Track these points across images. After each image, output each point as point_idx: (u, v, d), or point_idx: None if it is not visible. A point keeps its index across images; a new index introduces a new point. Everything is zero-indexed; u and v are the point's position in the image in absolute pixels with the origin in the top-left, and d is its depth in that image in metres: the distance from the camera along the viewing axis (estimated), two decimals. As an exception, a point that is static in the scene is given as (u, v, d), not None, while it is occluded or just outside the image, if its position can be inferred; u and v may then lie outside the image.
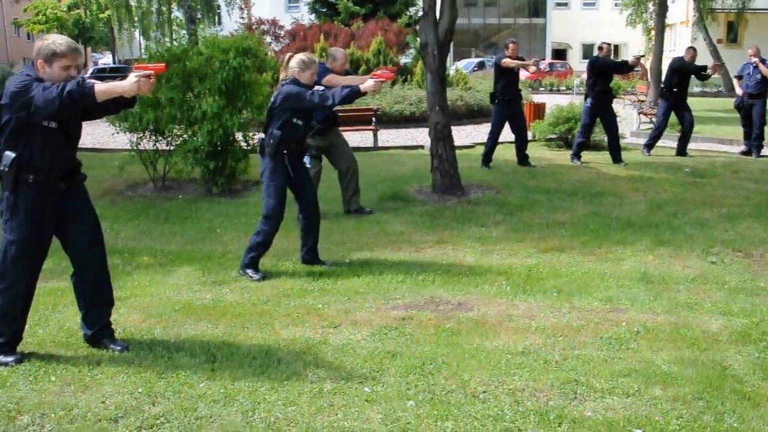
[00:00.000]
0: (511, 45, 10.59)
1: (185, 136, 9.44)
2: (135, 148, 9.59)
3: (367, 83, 5.49)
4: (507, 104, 10.53)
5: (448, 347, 4.18)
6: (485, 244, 6.43)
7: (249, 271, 5.62)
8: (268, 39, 23.59)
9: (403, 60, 20.97)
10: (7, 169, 3.83)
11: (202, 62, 8.69)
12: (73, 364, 4.06)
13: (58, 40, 3.84)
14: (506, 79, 10.57)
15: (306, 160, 7.67)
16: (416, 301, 5.00)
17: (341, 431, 3.25)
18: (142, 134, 9.52)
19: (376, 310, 4.83)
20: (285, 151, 5.60)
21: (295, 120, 5.53)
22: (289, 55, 5.69)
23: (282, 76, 5.71)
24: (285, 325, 4.61)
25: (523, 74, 32.70)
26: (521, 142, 10.83)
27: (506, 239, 6.61)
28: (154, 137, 9.59)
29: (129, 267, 6.10)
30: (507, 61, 10.40)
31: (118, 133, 9.58)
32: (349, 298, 5.10)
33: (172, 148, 9.60)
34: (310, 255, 5.85)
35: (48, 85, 3.66)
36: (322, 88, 5.62)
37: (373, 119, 13.44)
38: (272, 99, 5.69)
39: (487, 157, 10.70)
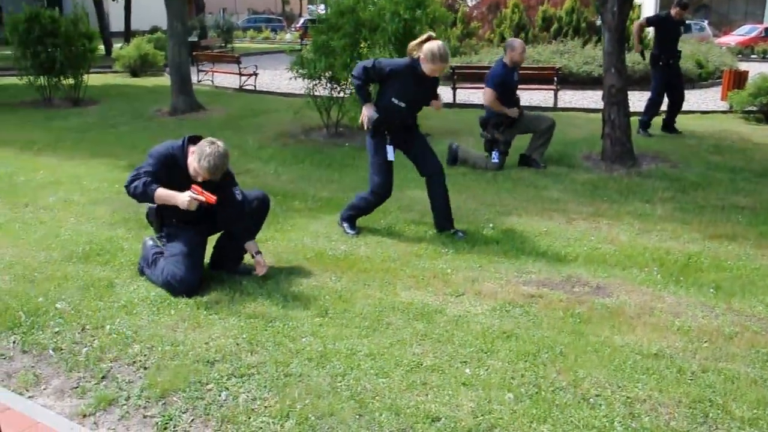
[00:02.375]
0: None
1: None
2: (311, 94, 9.78)
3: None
4: (669, 66, 9.72)
5: (572, 336, 3.79)
6: (645, 222, 5.82)
7: (345, 225, 5.56)
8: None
9: (599, 21, 19.61)
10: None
11: (374, 13, 8.57)
12: (198, 301, 4.17)
13: (201, 162, 4.15)
14: (668, 39, 9.72)
15: (494, 155, 7.46)
16: (551, 277, 4.61)
17: (425, 414, 3.03)
18: (317, 81, 9.68)
19: (505, 283, 4.51)
20: (386, 132, 5.35)
21: (395, 101, 5.21)
22: (428, 34, 5.18)
23: (412, 49, 5.18)
24: (407, 287, 4.43)
25: (733, 39, 29.47)
26: (676, 108, 10.09)
27: (670, 219, 5.93)
28: (329, 84, 9.72)
29: (278, 209, 6.20)
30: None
31: (295, 78, 9.79)
32: (481, 265, 4.81)
33: (345, 95, 9.68)
34: (440, 221, 5.55)
35: (142, 172, 4.24)
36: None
37: (555, 79, 12.74)
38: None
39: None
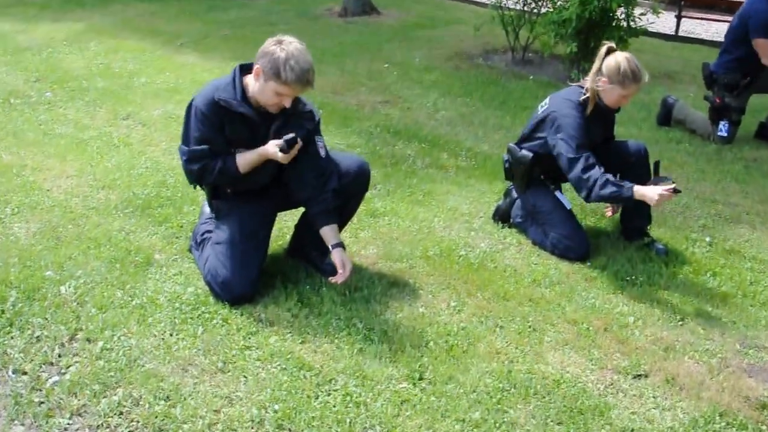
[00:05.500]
0: None
1: (560, 2, 7.51)
2: (498, 6, 7.97)
3: None
4: None
5: None
6: None
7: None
8: None
9: None
10: None
11: None
12: (246, 315, 2.87)
13: (291, 62, 2.72)
14: None
15: (722, 126, 5.41)
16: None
17: None
18: (509, -9, 7.87)
19: (719, 364, 2.79)
20: (541, 176, 3.73)
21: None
22: (608, 45, 3.41)
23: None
24: (559, 342, 2.85)
25: None
26: None
27: None
28: (523, -3, 7.87)
29: (418, 164, 4.74)
30: None
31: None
32: (683, 319, 3.09)
33: (541, 12, 7.78)
34: (633, 225, 3.77)
35: (198, 153, 2.95)
36: None
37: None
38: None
39: None
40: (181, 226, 3.60)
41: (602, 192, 3.25)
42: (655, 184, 3.30)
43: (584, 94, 3.47)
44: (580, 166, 3.31)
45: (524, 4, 7.91)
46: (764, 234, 3.99)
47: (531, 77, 7.32)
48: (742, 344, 2.94)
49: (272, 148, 2.88)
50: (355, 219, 3.70)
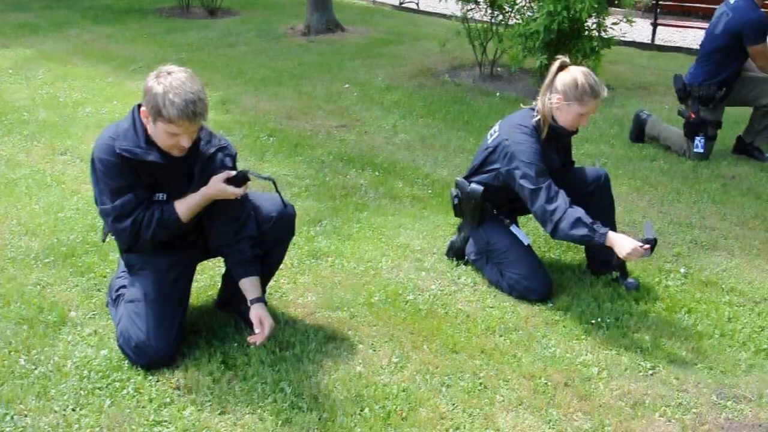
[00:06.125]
0: None
1: (528, 14, 7.26)
2: (464, 19, 7.70)
3: None
4: None
5: None
6: None
7: None
8: None
9: None
10: None
11: None
12: (162, 381, 2.55)
13: (170, 95, 2.36)
14: None
15: (697, 142, 5.15)
16: (784, 426, 2.52)
17: None
18: (474, 4, 7.60)
19: (693, 421, 2.49)
20: (494, 211, 3.42)
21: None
22: (561, 60, 3.11)
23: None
24: (513, 402, 2.53)
25: None
26: None
27: None
28: (489, 10, 7.61)
29: (370, 194, 4.44)
30: None
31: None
32: (654, 366, 2.78)
33: (508, 24, 7.51)
34: (597, 258, 3.45)
35: (119, 210, 2.56)
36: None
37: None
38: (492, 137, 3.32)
39: None
40: (104, 276, 3.28)
41: (572, 232, 2.94)
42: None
43: (536, 116, 3.18)
44: (543, 197, 3.00)
45: (491, 17, 7.66)
46: (743, 261, 3.71)
47: (498, 94, 7.05)
48: (719, 395, 2.64)
49: (219, 184, 2.56)
50: (295, 261, 3.43)
